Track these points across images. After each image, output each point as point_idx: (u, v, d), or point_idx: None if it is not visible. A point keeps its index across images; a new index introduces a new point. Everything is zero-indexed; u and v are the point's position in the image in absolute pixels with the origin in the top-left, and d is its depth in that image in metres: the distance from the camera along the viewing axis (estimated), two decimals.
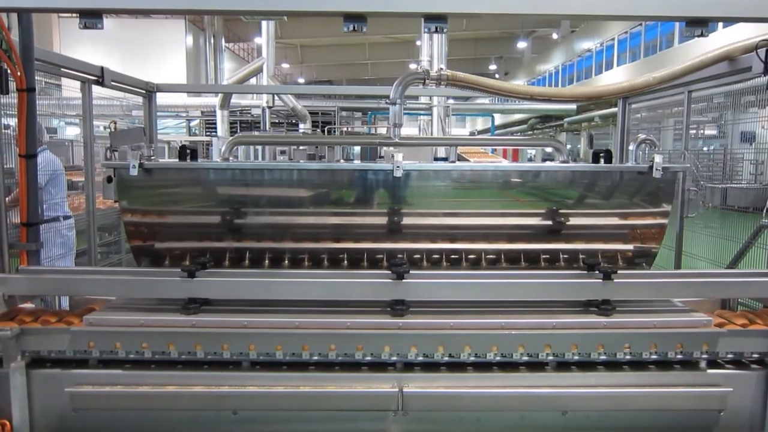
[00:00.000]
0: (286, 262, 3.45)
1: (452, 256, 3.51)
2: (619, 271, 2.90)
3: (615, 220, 3.57)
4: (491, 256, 3.49)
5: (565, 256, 3.49)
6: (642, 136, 3.74)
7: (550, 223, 3.54)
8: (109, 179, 3.32)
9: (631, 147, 3.59)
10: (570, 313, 2.93)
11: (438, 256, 3.50)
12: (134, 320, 2.78)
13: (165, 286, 2.91)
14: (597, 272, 2.90)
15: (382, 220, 3.56)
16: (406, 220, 3.52)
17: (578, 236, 3.53)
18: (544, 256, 3.50)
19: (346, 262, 3.46)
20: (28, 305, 3.15)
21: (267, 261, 3.45)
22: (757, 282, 3.03)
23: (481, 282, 2.96)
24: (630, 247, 3.52)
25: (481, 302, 2.98)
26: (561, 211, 3.52)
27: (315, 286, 2.89)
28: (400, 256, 3.37)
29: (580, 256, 3.41)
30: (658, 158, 3.33)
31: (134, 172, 3.21)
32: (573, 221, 3.53)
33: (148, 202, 3.47)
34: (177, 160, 3.56)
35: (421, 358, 2.69)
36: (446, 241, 3.54)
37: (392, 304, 2.89)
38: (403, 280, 2.84)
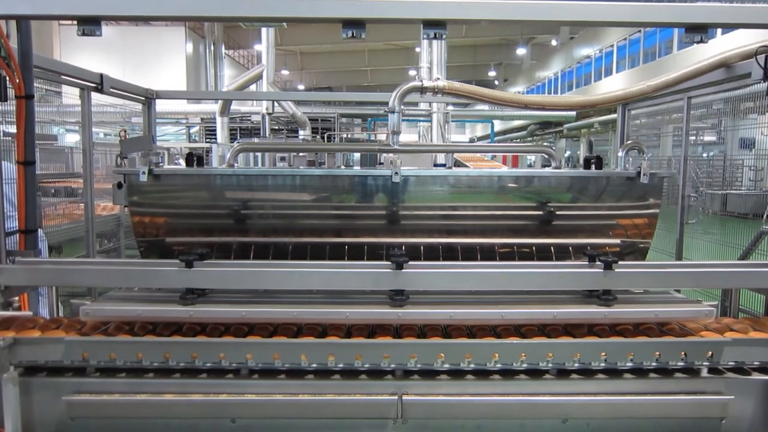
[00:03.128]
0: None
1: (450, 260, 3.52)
2: (620, 262, 2.88)
3: (605, 222, 3.74)
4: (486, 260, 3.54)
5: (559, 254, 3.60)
6: (630, 142, 3.98)
7: (543, 227, 3.67)
8: (120, 185, 3.47)
9: (620, 153, 3.78)
10: (571, 303, 2.93)
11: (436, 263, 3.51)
12: (130, 311, 2.77)
13: (162, 276, 2.88)
14: (598, 262, 2.89)
15: (381, 224, 3.64)
16: (404, 224, 3.61)
17: (570, 238, 3.65)
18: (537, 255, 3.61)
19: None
20: (26, 312, 3.13)
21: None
22: (758, 272, 2.99)
23: (482, 272, 2.93)
24: (618, 241, 3.67)
25: (480, 293, 2.98)
26: (553, 215, 3.65)
27: (314, 276, 2.85)
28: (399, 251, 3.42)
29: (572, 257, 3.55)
30: (645, 164, 3.54)
31: (144, 178, 3.39)
32: (564, 225, 3.68)
33: (157, 206, 3.61)
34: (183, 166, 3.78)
35: (420, 366, 2.67)
36: (444, 247, 3.57)
37: (392, 294, 2.87)
38: (403, 270, 2.80)
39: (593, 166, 3.72)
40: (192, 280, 2.83)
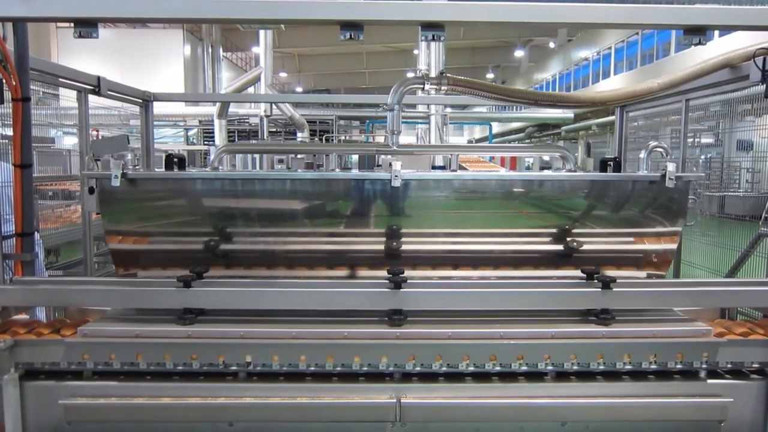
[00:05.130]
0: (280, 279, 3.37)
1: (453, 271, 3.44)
2: (618, 280, 2.87)
3: (624, 232, 3.40)
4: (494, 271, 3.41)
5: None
6: (653, 143, 3.57)
7: (556, 233, 3.39)
8: (91, 190, 3.15)
9: (642, 154, 3.40)
10: (569, 323, 2.90)
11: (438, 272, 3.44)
12: (129, 331, 2.75)
13: (160, 296, 2.88)
14: (596, 281, 2.88)
15: (380, 231, 3.46)
16: (404, 230, 3.42)
17: (584, 247, 3.36)
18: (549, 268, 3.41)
19: (342, 270, 3.43)
20: (22, 316, 3.12)
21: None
22: (757, 291, 3.00)
23: (480, 291, 2.93)
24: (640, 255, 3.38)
25: (479, 311, 2.95)
26: (567, 222, 3.38)
27: (312, 296, 2.86)
28: (398, 267, 3.33)
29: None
30: (671, 166, 3.15)
31: (116, 182, 3.05)
32: (579, 232, 3.38)
33: (132, 214, 3.30)
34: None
35: (419, 369, 2.66)
36: (446, 253, 3.48)
37: (390, 313, 2.86)
38: (401, 290, 2.81)
39: (609, 168, 3.36)
40: (190, 300, 2.83)
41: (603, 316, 2.87)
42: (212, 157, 3.70)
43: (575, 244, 3.31)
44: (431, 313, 2.95)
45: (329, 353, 2.66)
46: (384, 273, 2.96)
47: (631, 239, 3.41)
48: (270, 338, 2.74)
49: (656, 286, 3.04)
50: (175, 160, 3.32)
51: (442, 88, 3.61)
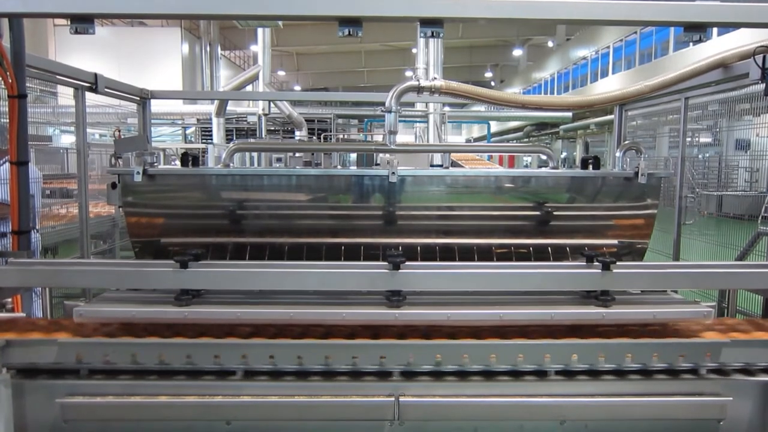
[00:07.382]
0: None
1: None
2: (618, 263, 2.86)
3: (603, 224, 3.69)
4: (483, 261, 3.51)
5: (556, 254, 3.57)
6: (627, 142, 3.94)
7: (540, 228, 3.63)
8: (114, 185, 3.46)
9: (618, 153, 3.77)
10: (569, 304, 2.91)
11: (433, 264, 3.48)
12: (125, 311, 2.75)
13: (157, 277, 2.85)
14: (596, 263, 2.86)
15: (378, 224, 3.61)
16: (401, 224, 3.58)
17: (568, 239, 3.61)
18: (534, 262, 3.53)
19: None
20: (19, 314, 3.10)
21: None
22: (757, 273, 2.97)
23: (479, 272, 2.90)
24: (615, 242, 3.63)
25: (478, 293, 2.96)
26: (550, 215, 3.62)
27: (310, 277, 2.83)
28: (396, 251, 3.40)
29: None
30: (643, 164, 3.50)
31: (138, 178, 3.36)
32: (562, 225, 3.63)
33: (152, 206, 3.58)
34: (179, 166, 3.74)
35: (417, 367, 2.65)
36: (441, 248, 3.55)
37: (389, 295, 2.85)
38: (400, 270, 2.78)
39: (590, 166, 3.69)
40: (187, 280, 2.80)
41: (603, 298, 2.86)
42: (224, 155, 3.98)
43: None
44: (430, 295, 2.96)
45: (327, 353, 2.65)
46: (381, 262, 2.97)
47: (611, 222, 3.75)
48: (266, 319, 2.79)
49: (656, 267, 3.02)
50: (190, 158, 3.71)
51: (435, 94, 3.94)
